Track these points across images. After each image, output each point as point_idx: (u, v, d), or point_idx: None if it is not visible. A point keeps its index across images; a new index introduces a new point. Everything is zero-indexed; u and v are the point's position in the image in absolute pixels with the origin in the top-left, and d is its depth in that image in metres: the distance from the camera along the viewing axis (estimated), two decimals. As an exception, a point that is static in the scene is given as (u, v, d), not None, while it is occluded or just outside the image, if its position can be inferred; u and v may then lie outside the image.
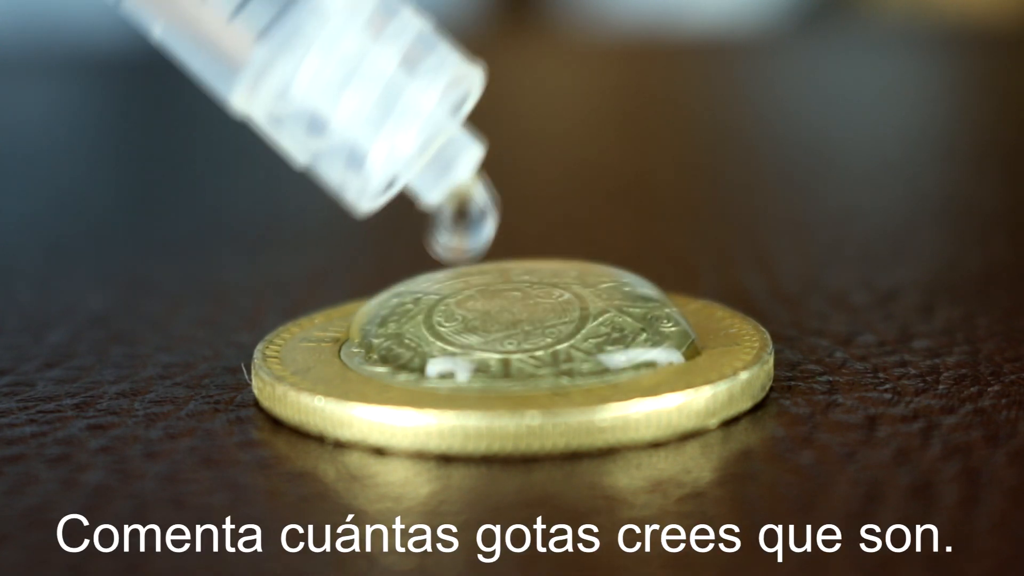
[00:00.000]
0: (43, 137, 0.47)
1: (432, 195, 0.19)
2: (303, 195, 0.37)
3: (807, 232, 0.31)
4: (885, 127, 0.46)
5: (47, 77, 0.58)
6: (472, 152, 0.19)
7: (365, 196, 0.19)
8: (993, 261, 0.28)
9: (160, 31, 0.18)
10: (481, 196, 0.19)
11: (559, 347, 0.19)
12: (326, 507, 0.17)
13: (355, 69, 0.18)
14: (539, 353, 0.19)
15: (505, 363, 0.19)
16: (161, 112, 0.51)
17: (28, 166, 0.42)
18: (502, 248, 0.28)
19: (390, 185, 0.19)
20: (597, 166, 0.41)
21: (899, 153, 0.42)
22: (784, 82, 0.58)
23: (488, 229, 0.19)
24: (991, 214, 0.33)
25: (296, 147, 0.19)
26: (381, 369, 0.19)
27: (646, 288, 0.21)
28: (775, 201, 0.35)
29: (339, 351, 0.20)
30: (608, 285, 0.20)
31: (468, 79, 0.19)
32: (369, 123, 0.18)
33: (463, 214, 0.19)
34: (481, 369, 0.19)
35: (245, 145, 0.45)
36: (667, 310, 0.20)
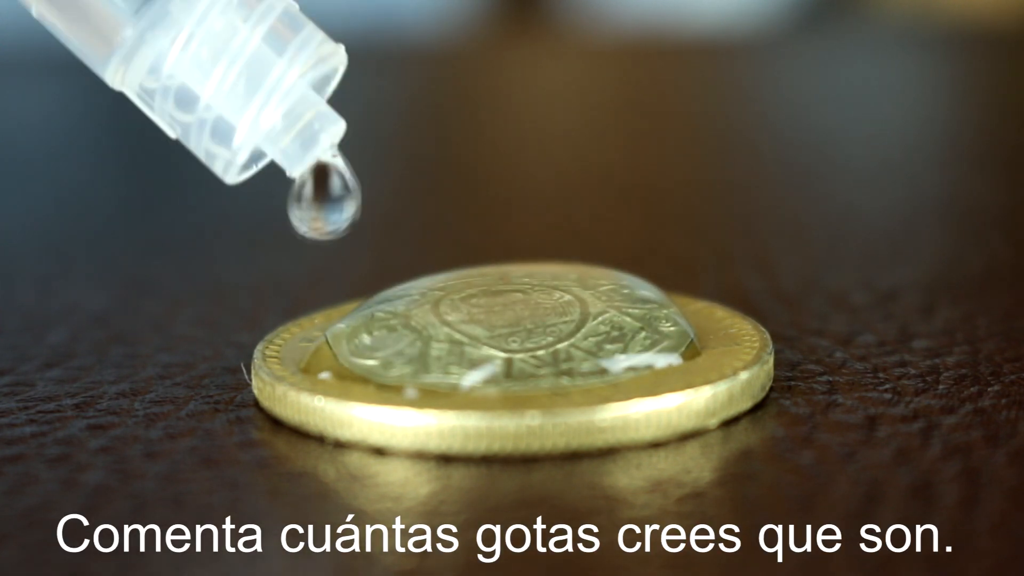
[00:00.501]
0: (44, 137, 0.47)
1: (295, 168, 0.19)
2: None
3: (807, 232, 0.31)
4: (885, 127, 0.46)
5: (47, 77, 0.58)
6: (335, 127, 0.19)
7: (231, 169, 0.19)
8: (993, 261, 0.28)
9: (36, 8, 0.19)
10: (343, 174, 0.19)
11: (559, 346, 0.19)
12: (326, 507, 0.17)
13: (222, 46, 0.19)
14: (540, 353, 0.19)
15: (508, 363, 0.19)
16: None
17: (28, 166, 0.42)
18: (502, 248, 0.28)
19: (256, 158, 0.19)
20: (598, 166, 0.41)
21: (899, 153, 0.42)
22: (785, 82, 0.58)
23: (350, 208, 0.20)
24: (991, 214, 0.33)
25: (166, 121, 0.19)
26: (373, 363, 0.19)
27: (645, 290, 0.21)
28: (775, 201, 0.35)
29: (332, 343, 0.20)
30: (608, 287, 0.20)
31: (333, 57, 0.19)
32: (235, 98, 0.19)
33: (324, 190, 0.19)
34: (483, 364, 0.19)
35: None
36: (666, 311, 0.20)
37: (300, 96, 0.19)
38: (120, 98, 0.19)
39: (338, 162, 0.19)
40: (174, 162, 0.43)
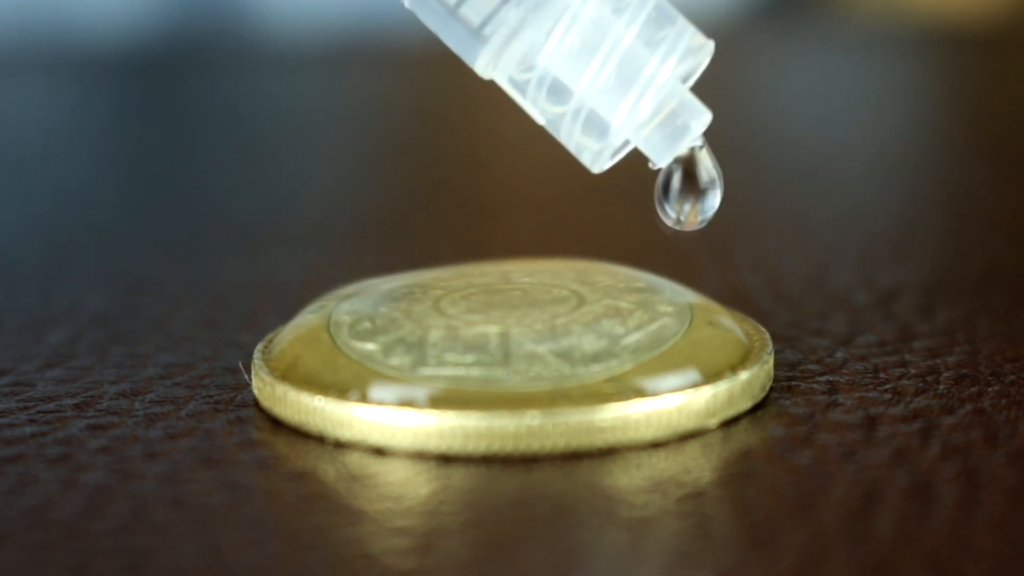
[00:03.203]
0: (43, 137, 0.47)
1: (663, 159, 0.20)
2: (303, 194, 0.37)
3: (807, 232, 0.31)
4: (885, 127, 0.46)
5: (47, 77, 0.58)
6: (704, 117, 0.19)
7: (599, 160, 0.20)
8: (993, 261, 0.28)
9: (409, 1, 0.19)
10: (709, 165, 0.20)
11: (558, 320, 0.19)
12: (326, 507, 0.17)
13: (599, 40, 0.19)
14: (539, 327, 0.19)
15: (504, 336, 0.19)
16: (161, 112, 0.51)
17: (28, 166, 0.42)
18: (503, 247, 0.28)
19: (621, 147, 0.20)
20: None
21: (899, 153, 0.42)
22: (786, 81, 0.58)
23: (716, 197, 0.20)
24: (991, 214, 0.33)
25: (536, 110, 0.19)
26: (373, 347, 0.19)
27: (642, 281, 0.21)
28: (776, 201, 0.35)
29: (328, 327, 0.20)
30: (606, 283, 0.21)
31: (701, 51, 0.19)
32: (609, 92, 0.19)
33: (693, 181, 0.20)
34: (479, 346, 0.19)
35: (245, 144, 0.45)
36: (661, 295, 0.20)
37: (670, 89, 0.19)
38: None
39: (704, 152, 0.20)
40: (174, 162, 0.43)
